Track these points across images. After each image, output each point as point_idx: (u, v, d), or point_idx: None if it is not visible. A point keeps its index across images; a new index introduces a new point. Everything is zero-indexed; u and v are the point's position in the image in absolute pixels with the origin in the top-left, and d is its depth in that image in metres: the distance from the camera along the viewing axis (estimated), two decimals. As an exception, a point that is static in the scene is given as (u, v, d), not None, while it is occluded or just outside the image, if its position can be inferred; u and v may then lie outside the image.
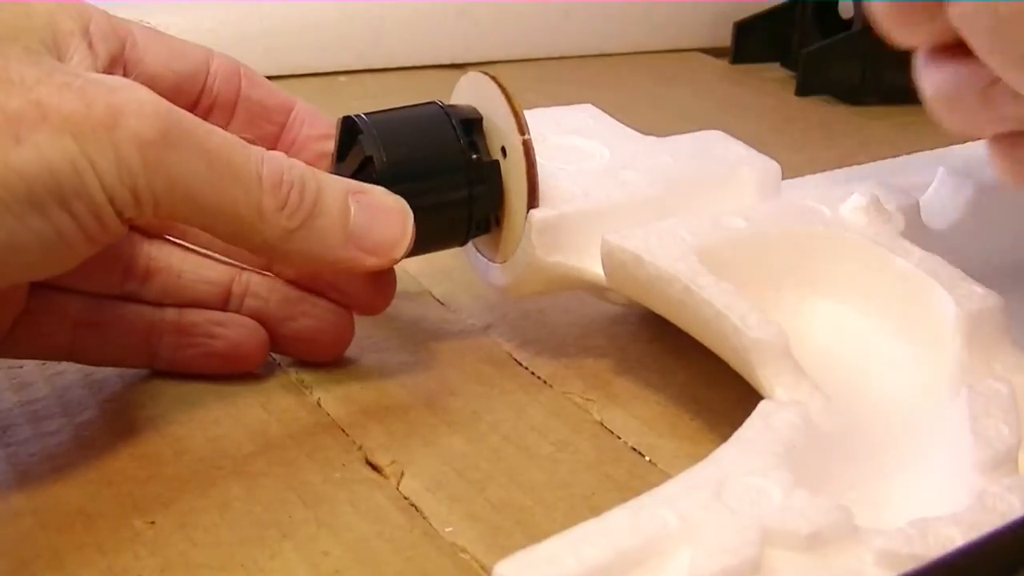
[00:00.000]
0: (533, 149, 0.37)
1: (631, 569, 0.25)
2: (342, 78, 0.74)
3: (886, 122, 0.66)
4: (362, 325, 0.41)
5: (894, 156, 0.53)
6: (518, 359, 0.41)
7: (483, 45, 0.77)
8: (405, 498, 0.33)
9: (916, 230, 0.40)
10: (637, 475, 0.35)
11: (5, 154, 0.29)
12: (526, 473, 0.35)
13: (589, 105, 0.46)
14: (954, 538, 0.26)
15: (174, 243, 0.39)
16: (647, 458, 0.35)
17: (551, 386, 0.39)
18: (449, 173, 0.38)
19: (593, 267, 0.38)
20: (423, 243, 0.37)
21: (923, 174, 0.45)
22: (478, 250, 0.41)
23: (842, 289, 0.37)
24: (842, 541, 0.26)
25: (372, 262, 0.36)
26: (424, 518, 0.33)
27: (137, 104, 0.31)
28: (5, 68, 0.30)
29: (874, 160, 0.53)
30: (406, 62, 0.77)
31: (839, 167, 0.51)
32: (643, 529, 0.26)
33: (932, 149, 0.51)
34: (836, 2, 0.73)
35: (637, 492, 0.33)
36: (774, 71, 0.78)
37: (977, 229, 0.43)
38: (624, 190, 0.40)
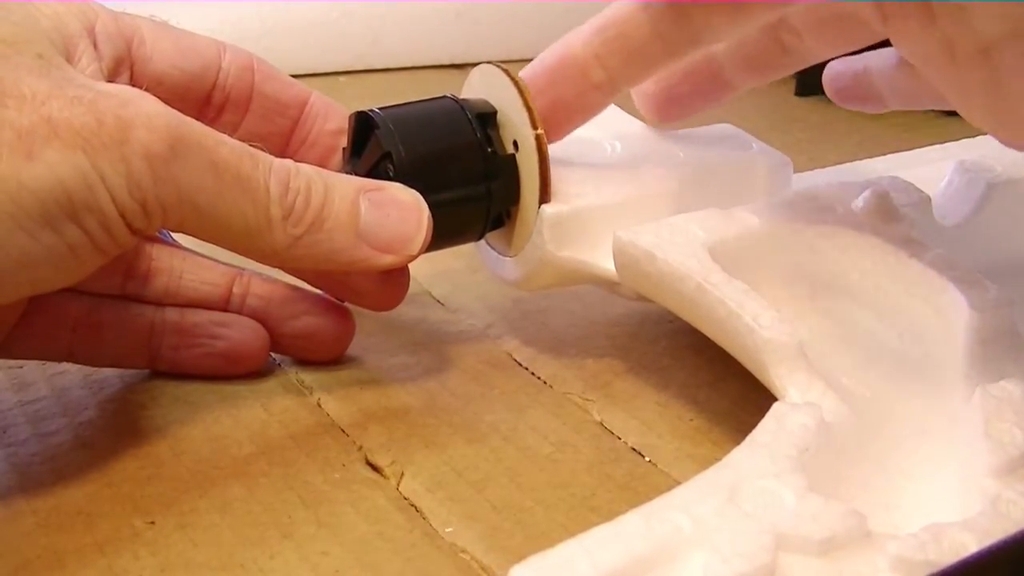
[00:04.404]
0: (546, 144, 0.37)
1: (645, 574, 0.25)
2: (342, 78, 0.74)
3: (886, 122, 0.66)
4: (362, 326, 0.40)
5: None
6: (518, 360, 0.41)
7: (483, 45, 0.77)
8: (405, 498, 0.33)
9: (928, 226, 0.39)
10: (637, 475, 0.34)
11: (17, 171, 0.29)
12: (526, 473, 0.34)
13: None
14: (968, 544, 0.26)
15: (175, 244, 0.39)
16: (647, 458, 0.35)
17: (551, 387, 0.39)
18: (468, 168, 0.38)
19: (604, 262, 0.38)
20: (441, 239, 0.37)
21: (935, 168, 0.45)
22: (488, 244, 0.41)
23: (853, 288, 0.37)
24: (856, 546, 0.26)
25: (388, 260, 0.35)
26: (424, 518, 0.32)
27: (147, 117, 0.31)
28: (16, 82, 0.30)
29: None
30: (406, 62, 0.77)
31: (839, 168, 0.51)
32: (657, 534, 0.25)
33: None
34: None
35: (637, 492, 0.33)
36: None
37: (990, 225, 0.42)
38: (636, 184, 0.39)
